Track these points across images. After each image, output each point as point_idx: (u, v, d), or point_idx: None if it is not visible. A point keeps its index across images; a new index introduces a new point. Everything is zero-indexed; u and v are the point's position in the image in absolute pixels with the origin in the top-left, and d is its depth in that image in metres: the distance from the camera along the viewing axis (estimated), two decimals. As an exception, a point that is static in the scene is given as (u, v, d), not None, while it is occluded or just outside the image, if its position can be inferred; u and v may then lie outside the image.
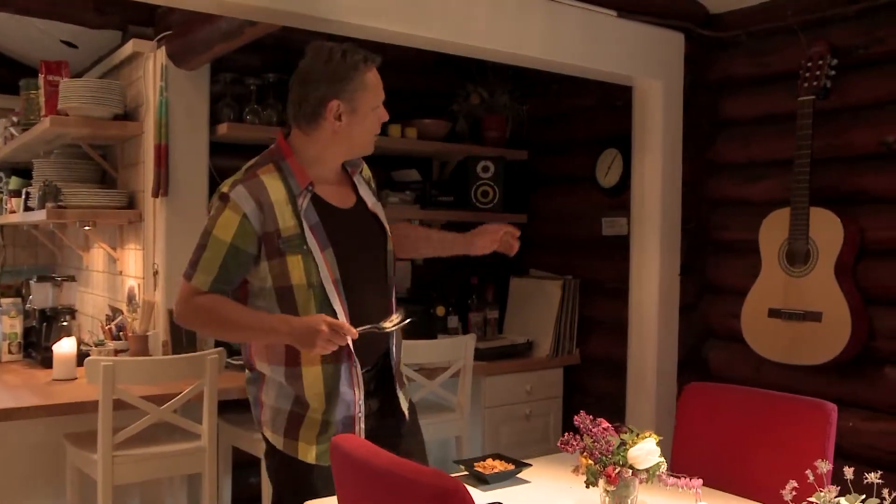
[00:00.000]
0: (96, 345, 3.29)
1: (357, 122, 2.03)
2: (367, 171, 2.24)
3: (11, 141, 3.95)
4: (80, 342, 3.33)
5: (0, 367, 3.37)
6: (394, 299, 2.19)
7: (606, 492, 1.77)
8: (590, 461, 1.79)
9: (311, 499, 1.90)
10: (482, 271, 4.12)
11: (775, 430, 2.11)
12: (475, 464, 2.12)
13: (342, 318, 1.98)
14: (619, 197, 3.67)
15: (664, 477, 1.80)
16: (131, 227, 3.59)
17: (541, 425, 3.86)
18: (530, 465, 2.16)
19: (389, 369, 2.17)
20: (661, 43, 3.21)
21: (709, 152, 3.36)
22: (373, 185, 2.25)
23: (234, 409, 3.11)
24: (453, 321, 3.95)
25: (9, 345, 3.48)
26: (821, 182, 2.84)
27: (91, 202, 3.39)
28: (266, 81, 3.49)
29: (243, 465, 3.37)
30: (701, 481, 1.79)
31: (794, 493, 1.51)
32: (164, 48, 3.22)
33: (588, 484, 1.78)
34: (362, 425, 2.06)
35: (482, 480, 2.05)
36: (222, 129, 3.33)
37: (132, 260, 3.59)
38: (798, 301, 2.81)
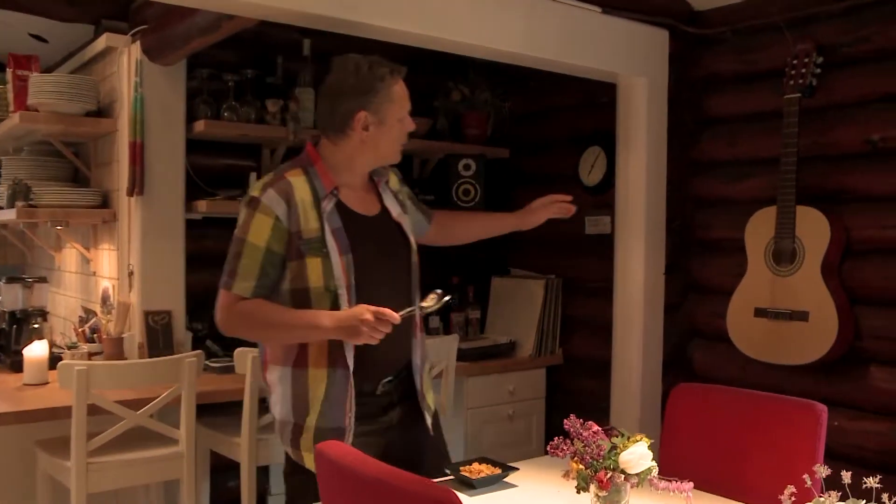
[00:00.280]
0: (69, 347, 3.21)
1: (384, 133, 2.10)
2: (394, 182, 2.29)
3: (-22, 138, 3.85)
4: (52, 345, 3.25)
5: (-32, 371, 3.28)
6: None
7: (598, 497, 1.74)
8: (580, 466, 1.76)
9: None
10: (463, 271, 4.08)
11: (765, 432, 2.10)
12: (461, 468, 2.10)
13: None
14: (603, 195, 3.65)
15: (655, 481, 1.78)
16: (105, 227, 3.53)
17: (524, 426, 3.84)
18: (517, 468, 2.13)
19: (412, 379, 2.19)
20: (646, 39, 3.19)
21: (693, 150, 3.34)
22: (401, 196, 2.29)
23: (212, 412, 3.07)
24: (435, 321, 3.93)
25: (-23, 348, 3.39)
26: (806, 181, 2.83)
27: (63, 201, 3.33)
28: (244, 77, 3.44)
29: (222, 470, 3.32)
30: (692, 484, 1.77)
31: (792, 499, 1.47)
32: (138, 43, 3.16)
33: (579, 489, 1.75)
34: (351, 436, 2.06)
35: (469, 485, 2.02)
36: (199, 126, 3.28)
37: (106, 260, 3.53)
38: (784, 300, 2.80)
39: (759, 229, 2.91)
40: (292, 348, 2.07)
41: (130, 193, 3.17)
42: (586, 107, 3.77)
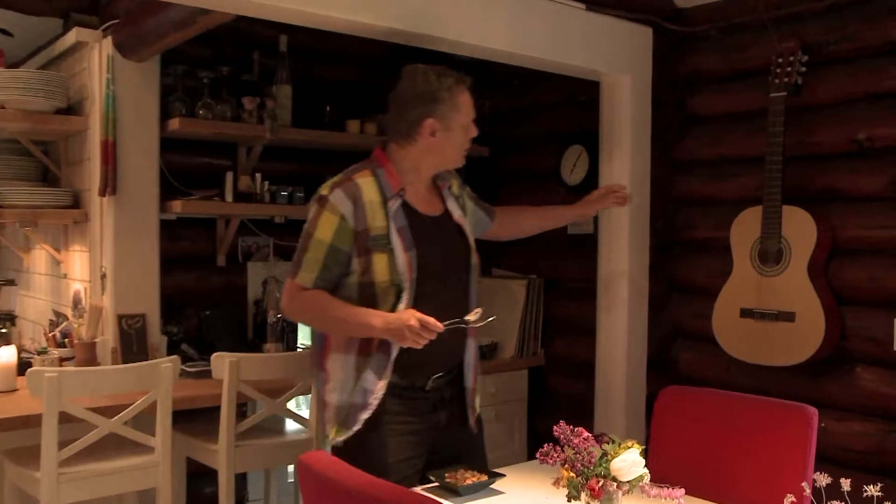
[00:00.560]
0: (39, 353, 3.13)
1: (449, 139, 2.25)
2: (456, 187, 2.43)
3: (-58, 135, 3.75)
4: (20, 350, 3.18)
5: (-67, 377, 3.17)
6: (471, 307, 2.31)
7: (589, 505, 1.70)
8: (571, 474, 1.72)
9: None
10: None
11: (755, 435, 2.08)
12: (447, 475, 2.08)
13: None
14: (585, 195, 3.61)
15: (646, 487, 1.76)
16: (77, 228, 3.46)
17: (506, 428, 3.80)
18: (504, 475, 2.11)
19: (462, 378, 2.32)
20: (630, 37, 3.16)
21: (678, 149, 3.32)
22: (462, 199, 2.44)
23: (188, 418, 3.00)
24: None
25: (-57, 353, 3.28)
26: (791, 180, 2.81)
27: (32, 201, 3.26)
28: (220, 74, 3.39)
29: (198, 476, 3.26)
30: (683, 491, 1.76)
31: (793, 506, 1.44)
32: (110, 38, 3.10)
33: (570, 497, 1.73)
34: (369, 412, 2.17)
35: (454, 492, 1.99)
36: (173, 124, 3.22)
37: (78, 262, 3.46)
38: (771, 301, 2.78)
39: (745, 229, 2.89)
40: (355, 338, 2.18)
41: (102, 193, 3.11)
42: (568, 105, 3.74)
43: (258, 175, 3.47)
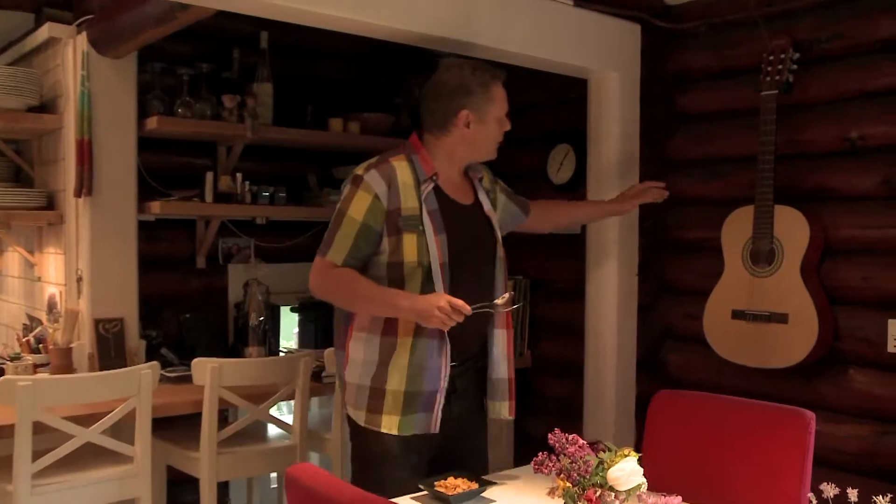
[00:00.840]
0: (12, 359, 3.04)
1: (483, 131, 2.30)
2: (487, 181, 2.48)
3: None
4: (-7, 356, 3.08)
5: None
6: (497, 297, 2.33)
7: (586, 516, 1.65)
8: (568, 484, 1.68)
9: (390, 468, 2.19)
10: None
11: (751, 441, 2.05)
12: (436, 483, 2.03)
13: None
14: (573, 194, 3.57)
15: (643, 495, 1.72)
16: (51, 230, 3.38)
17: (493, 430, 3.72)
18: (495, 483, 2.07)
19: (484, 370, 2.36)
20: (618, 34, 3.12)
21: (667, 148, 3.29)
22: (494, 193, 2.50)
23: (167, 425, 2.93)
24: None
25: (-89, 360, 3.19)
26: (783, 179, 2.78)
27: (4, 202, 3.20)
28: (199, 71, 3.34)
29: (179, 484, 3.20)
30: (679, 498, 1.72)
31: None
32: (84, 34, 3.03)
33: (566, 508, 1.67)
34: (443, 399, 2.22)
35: (445, 502, 1.94)
36: (151, 122, 3.17)
37: (52, 265, 3.38)
38: (763, 302, 2.75)
39: (736, 229, 2.85)
40: (380, 318, 2.21)
41: (78, 194, 3.05)
42: (554, 103, 3.70)
43: (239, 175, 3.42)
